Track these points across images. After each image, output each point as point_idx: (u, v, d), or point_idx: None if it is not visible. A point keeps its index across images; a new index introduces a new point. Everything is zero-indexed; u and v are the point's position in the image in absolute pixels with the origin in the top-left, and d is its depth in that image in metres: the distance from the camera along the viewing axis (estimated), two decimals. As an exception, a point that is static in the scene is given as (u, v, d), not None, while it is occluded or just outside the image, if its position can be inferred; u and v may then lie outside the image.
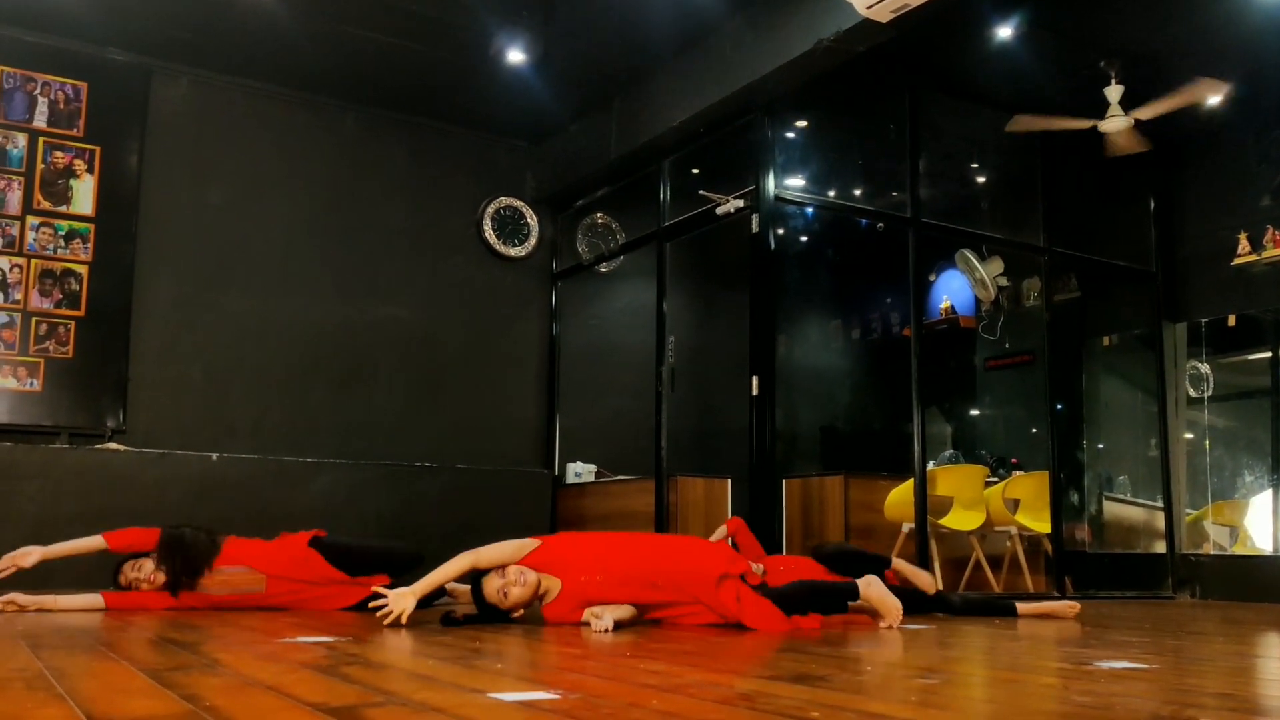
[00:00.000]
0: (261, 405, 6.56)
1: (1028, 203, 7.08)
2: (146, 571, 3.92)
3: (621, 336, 7.69)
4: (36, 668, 2.13)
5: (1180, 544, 7.01)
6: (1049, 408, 6.83)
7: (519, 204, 7.53)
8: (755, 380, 5.78)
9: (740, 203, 6.03)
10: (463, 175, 7.37)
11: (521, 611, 3.55)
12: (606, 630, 3.26)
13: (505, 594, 3.48)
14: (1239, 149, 6.91)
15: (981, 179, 7.79)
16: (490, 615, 3.54)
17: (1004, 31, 5.70)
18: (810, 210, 6.68)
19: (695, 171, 6.74)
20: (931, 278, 8.30)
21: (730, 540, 4.33)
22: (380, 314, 6.99)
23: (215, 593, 3.95)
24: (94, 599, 3.82)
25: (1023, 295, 7.92)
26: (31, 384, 5.87)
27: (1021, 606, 4.45)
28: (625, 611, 3.46)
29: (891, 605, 3.69)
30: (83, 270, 6.07)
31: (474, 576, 3.61)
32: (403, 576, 4.10)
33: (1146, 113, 5.99)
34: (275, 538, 4.32)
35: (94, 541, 3.99)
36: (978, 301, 8.08)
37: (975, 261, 7.77)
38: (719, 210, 6.18)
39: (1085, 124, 6.13)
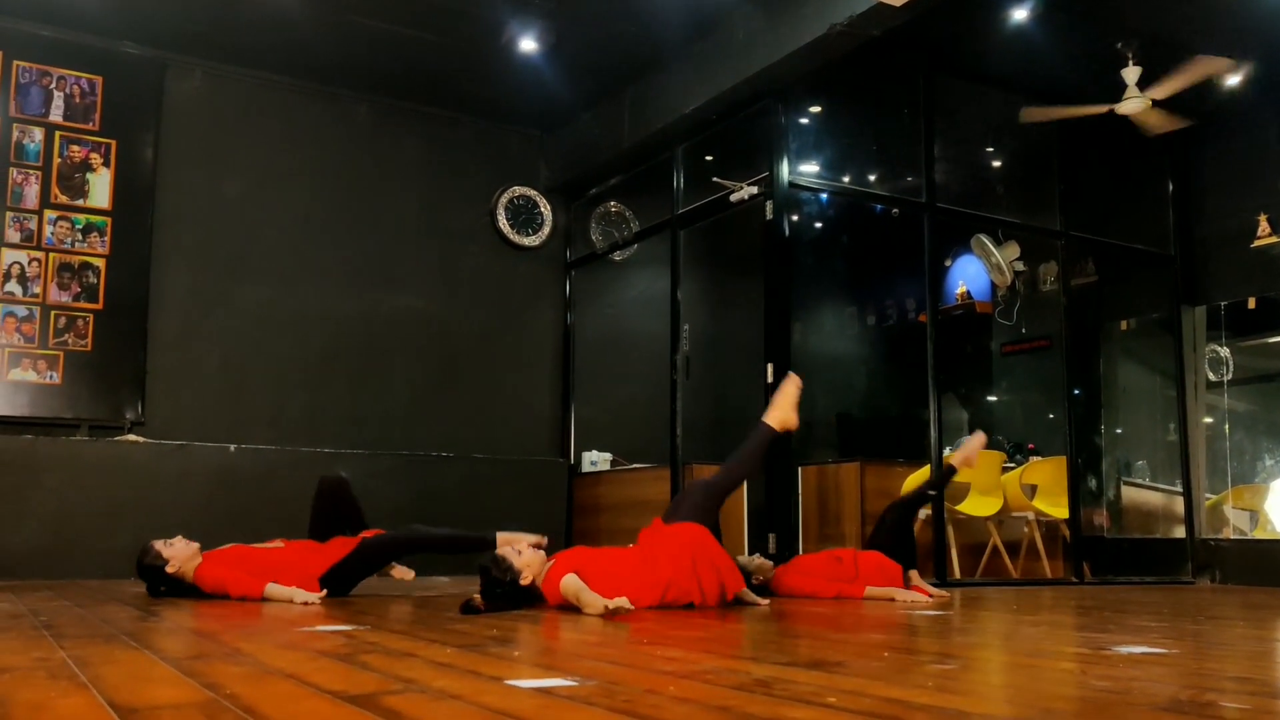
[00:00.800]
0: (278, 396, 6.60)
1: (1044, 186, 7.03)
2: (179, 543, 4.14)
3: (636, 325, 7.69)
4: (59, 657, 2.15)
5: (1200, 529, 6.97)
6: (1066, 393, 6.80)
7: (532, 193, 7.52)
8: (770, 367, 5.77)
9: (754, 189, 6.01)
10: (476, 164, 7.37)
11: (531, 578, 3.61)
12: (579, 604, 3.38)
13: (519, 551, 3.66)
14: (1258, 130, 6.84)
15: (997, 163, 7.73)
16: (505, 600, 3.58)
17: (1019, 13, 5.65)
18: (824, 196, 6.65)
19: (709, 158, 6.72)
20: (947, 263, 8.26)
21: None
22: (395, 304, 7.00)
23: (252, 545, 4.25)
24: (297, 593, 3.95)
25: (1039, 280, 7.87)
26: (51, 377, 5.91)
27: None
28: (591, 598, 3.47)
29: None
30: (100, 263, 6.11)
31: (484, 568, 3.66)
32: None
33: (1159, 93, 5.93)
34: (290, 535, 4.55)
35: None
36: (994, 286, 8.03)
37: (991, 246, 7.72)
38: (733, 197, 6.16)
39: (1100, 109, 6.07)
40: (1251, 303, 6.96)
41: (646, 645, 2.54)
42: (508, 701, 1.66)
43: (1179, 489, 7.11)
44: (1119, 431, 7.78)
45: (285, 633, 2.77)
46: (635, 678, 1.93)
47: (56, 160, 6.07)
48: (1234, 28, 5.84)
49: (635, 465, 7.04)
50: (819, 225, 8.18)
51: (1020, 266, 7.80)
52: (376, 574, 4.52)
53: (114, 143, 6.21)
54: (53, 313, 5.97)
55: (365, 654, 2.26)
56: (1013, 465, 6.80)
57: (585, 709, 1.55)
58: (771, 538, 5.61)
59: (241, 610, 3.55)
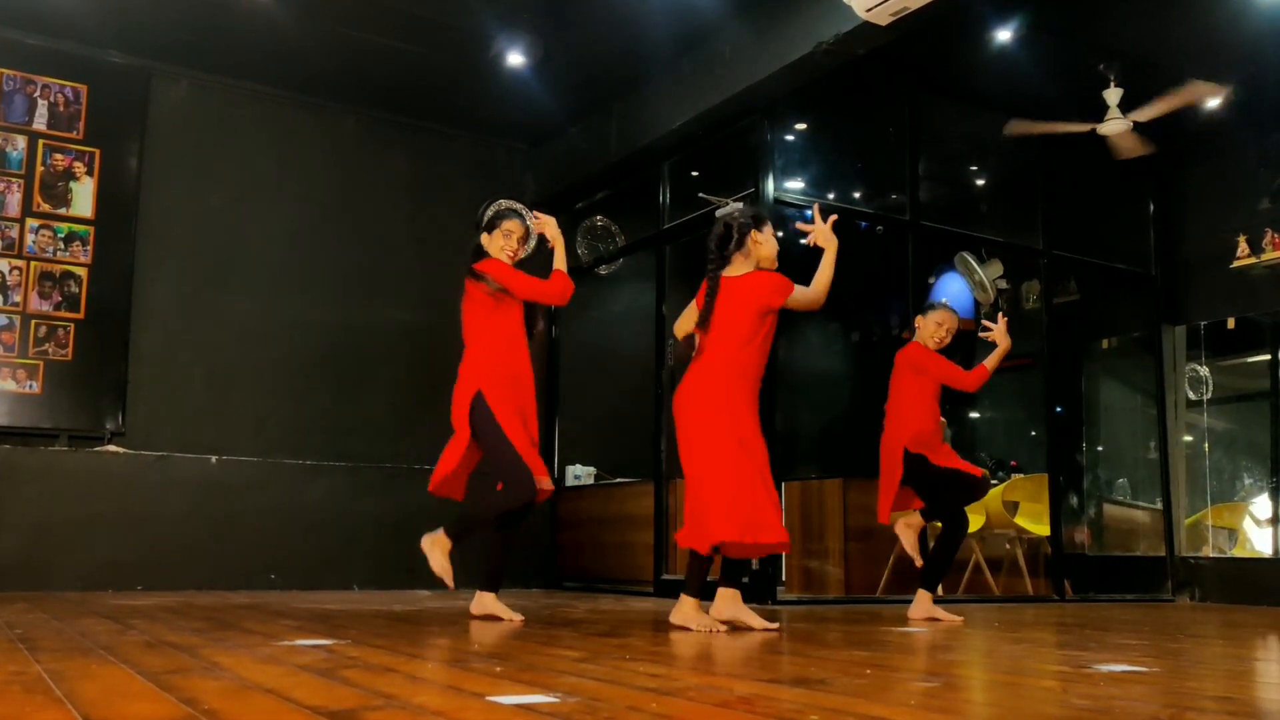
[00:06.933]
0: (261, 408, 6.55)
1: (1027, 205, 7.09)
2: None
3: (621, 339, 7.68)
4: (35, 671, 2.13)
5: (1179, 547, 7.01)
6: (1048, 410, 6.83)
7: (518, 206, 7.51)
8: (755, 383, 5.75)
9: (740, 205, 6.03)
10: (462, 177, 7.36)
11: None
12: None
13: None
14: (1238, 152, 6.91)
15: (981, 181, 7.79)
16: None
17: (1003, 34, 5.70)
18: (809, 213, 6.67)
19: (695, 174, 6.74)
20: (931, 280, 8.29)
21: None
22: (380, 316, 6.98)
23: None
24: None
25: (1022, 298, 7.92)
26: (31, 386, 5.86)
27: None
28: None
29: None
30: (82, 272, 6.07)
31: None
32: None
33: (1143, 115, 5.99)
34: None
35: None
36: (977, 304, 8.07)
37: (974, 264, 7.76)
38: (719, 213, 6.18)
39: (1084, 127, 6.13)
40: (1231, 323, 7.03)
41: (629, 661, 2.53)
42: (489, 718, 1.65)
43: (1159, 507, 7.15)
44: (1100, 449, 7.83)
45: (265, 647, 2.75)
46: (618, 694, 1.93)
47: (39, 168, 6.03)
48: (1215, 51, 5.91)
49: (619, 480, 7.02)
50: (804, 241, 8.20)
51: (1003, 284, 7.85)
52: None
53: (98, 151, 6.18)
54: (33, 322, 5.92)
55: (346, 669, 2.24)
56: (995, 482, 6.82)
57: (567, 726, 1.55)
58: (754, 553, 5.59)
59: (220, 624, 3.52)
